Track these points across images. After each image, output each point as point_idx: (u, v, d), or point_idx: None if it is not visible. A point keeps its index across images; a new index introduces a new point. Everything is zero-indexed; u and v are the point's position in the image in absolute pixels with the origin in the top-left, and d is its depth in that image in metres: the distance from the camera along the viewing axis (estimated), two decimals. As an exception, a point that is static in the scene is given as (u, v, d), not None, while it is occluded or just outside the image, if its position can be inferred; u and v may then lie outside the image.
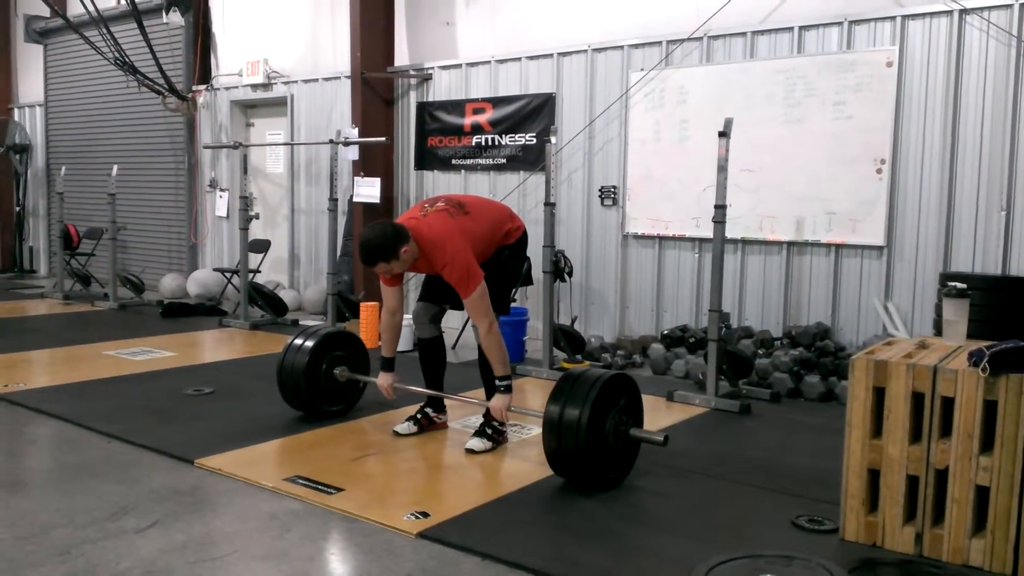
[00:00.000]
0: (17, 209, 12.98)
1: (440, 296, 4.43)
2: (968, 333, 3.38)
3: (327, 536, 3.17)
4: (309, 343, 4.64)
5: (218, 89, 10.19)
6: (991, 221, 5.41)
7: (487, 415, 4.32)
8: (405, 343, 6.86)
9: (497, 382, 4.08)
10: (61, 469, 3.88)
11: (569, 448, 3.56)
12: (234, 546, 3.04)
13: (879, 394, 3.02)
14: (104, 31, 9.67)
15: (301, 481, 3.68)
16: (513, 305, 5.45)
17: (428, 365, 4.55)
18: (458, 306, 4.57)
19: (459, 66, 7.99)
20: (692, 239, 6.59)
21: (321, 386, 4.67)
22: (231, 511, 3.37)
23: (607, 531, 3.22)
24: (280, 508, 3.39)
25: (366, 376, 4.81)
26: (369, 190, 8.17)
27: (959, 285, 3.40)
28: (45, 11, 11.67)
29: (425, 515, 3.31)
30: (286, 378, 4.65)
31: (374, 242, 3.95)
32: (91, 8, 9.51)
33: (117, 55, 9.80)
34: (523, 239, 4.42)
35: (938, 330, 4.59)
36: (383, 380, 4.42)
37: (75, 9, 10.44)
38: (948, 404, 2.89)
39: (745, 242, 6.33)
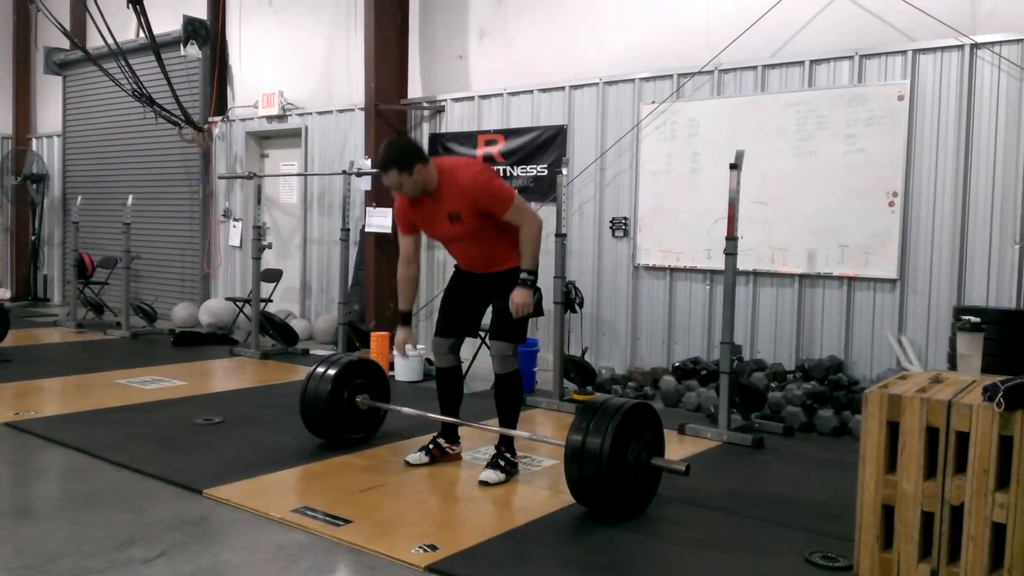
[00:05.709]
0: (33, 238, 13.11)
1: (455, 327, 4.41)
2: (983, 367, 3.34)
3: (334, 569, 3.14)
4: (331, 371, 4.64)
5: (234, 120, 10.31)
6: (1005, 254, 5.38)
7: (499, 446, 4.30)
8: (415, 374, 6.89)
9: (523, 275, 4.11)
10: (70, 498, 3.87)
11: (591, 476, 3.56)
12: (241, 578, 3.02)
13: (893, 429, 2.99)
14: (123, 63, 9.81)
15: (309, 512, 3.65)
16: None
17: (445, 394, 4.51)
18: (472, 333, 4.54)
19: (472, 98, 8.05)
20: (703, 271, 6.58)
21: (343, 414, 4.67)
22: (239, 542, 3.35)
23: (618, 566, 3.18)
24: (288, 540, 3.37)
25: (387, 404, 4.81)
26: (381, 220, 8.21)
27: (973, 319, 3.37)
28: (65, 43, 11.90)
29: (434, 548, 3.28)
30: (309, 406, 4.65)
31: (393, 147, 4.05)
32: (110, 41, 9.66)
33: (135, 87, 9.93)
34: None
35: (952, 364, 4.56)
36: (400, 335, 4.41)
37: (94, 42, 10.60)
38: (963, 439, 2.86)
39: (757, 274, 6.31)
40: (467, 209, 4.06)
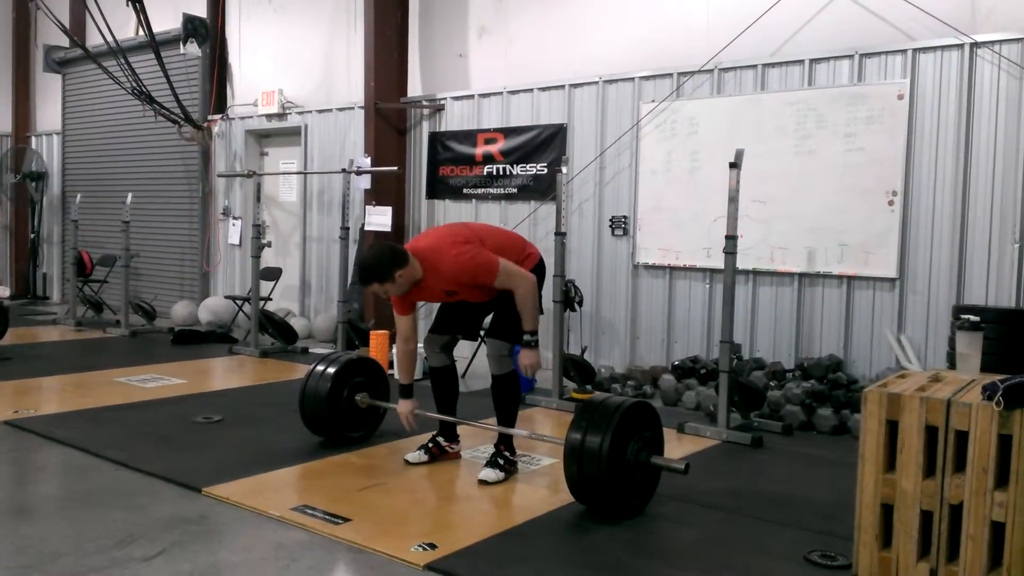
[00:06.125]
0: (32, 236, 13.10)
1: (451, 326, 4.44)
2: (982, 366, 3.35)
3: (333, 567, 3.14)
4: (331, 369, 4.64)
5: (233, 119, 10.30)
6: (1004, 253, 5.38)
7: (498, 445, 4.31)
8: (416, 371, 6.89)
9: (526, 336, 4.14)
10: (69, 496, 3.87)
11: (591, 475, 3.56)
12: (240, 576, 3.02)
13: (892, 427, 2.99)
14: (122, 61, 9.80)
15: (309, 511, 3.65)
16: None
17: (440, 393, 4.53)
18: (470, 336, 4.57)
19: (471, 97, 8.05)
20: (703, 270, 6.58)
21: (343, 412, 4.67)
22: (238, 541, 3.35)
23: (617, 564, 3.18)
24: (287, 538, 3.37)
25: (386, 402, 4.81)
26: (380, 219, 8.21)
27: (972, 318, 3.37)
28: (64, 41, 11.89)
29: (433, 547, 3.28)
30: (308, 404, 4.65)
31: (368, 262, 4.09)
32: (109, 39, 9.65)
33: (134, 85, 9.93)
34: (539, 267, 4.38)
35: (952, 363, 4.56)
36: (403, 407, 4.41)
37: (94, 40, 10.60)
38: (962, 438, 2.86)
39: (756, 273, 6.31)
40: (459, 287, 4.15)
